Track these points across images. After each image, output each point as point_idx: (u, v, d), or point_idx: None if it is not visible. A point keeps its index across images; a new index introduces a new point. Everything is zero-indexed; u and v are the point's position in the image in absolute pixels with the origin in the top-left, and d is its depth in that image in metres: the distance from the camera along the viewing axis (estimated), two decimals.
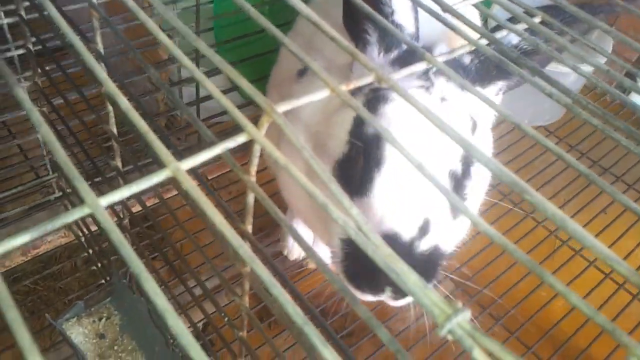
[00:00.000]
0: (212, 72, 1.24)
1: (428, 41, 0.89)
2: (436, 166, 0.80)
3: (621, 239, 1.38)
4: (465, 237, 1.01)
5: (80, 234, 1.14)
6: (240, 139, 0.43)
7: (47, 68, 0.89)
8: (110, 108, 0.69)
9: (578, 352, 1.26)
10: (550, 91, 0.52)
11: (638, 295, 1.30)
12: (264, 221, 1.43)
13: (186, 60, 0.48)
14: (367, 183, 0.79)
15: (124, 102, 0.43)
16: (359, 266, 0.78)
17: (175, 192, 1.19)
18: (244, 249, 0.36)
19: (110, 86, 0.44)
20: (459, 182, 0.83)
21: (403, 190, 0.78)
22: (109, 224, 0.36)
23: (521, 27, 0.58)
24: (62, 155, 0.40)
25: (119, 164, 0.75)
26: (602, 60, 1.56)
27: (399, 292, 0.79)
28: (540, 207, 0.42)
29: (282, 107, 0.43)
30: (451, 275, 1.18)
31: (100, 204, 0.38)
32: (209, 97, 1.25)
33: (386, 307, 1.27)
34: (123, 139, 0.84)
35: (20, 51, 0.97)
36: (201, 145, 1.32)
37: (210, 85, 0.45)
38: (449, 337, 0.34)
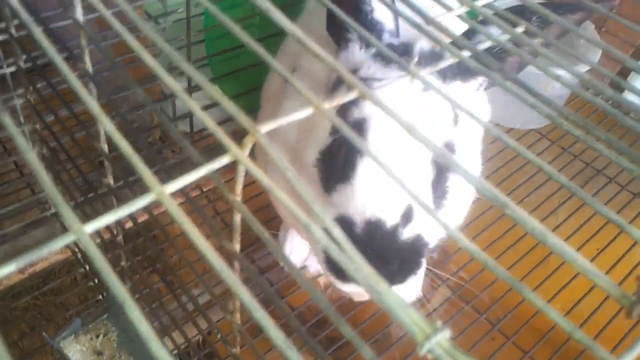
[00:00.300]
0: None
1: (409, 37, 0.90)
2: (419, 153, 0.80)
3: (615, 240, 1.39)
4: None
5: (77, 249, 1.15)
6: (224, 160, 0.43)
7: (38, 85, 0.89)
8: (100, 126, 0.70)
9: (577, 353, 1.26)
10: (533, 102, 0.52)
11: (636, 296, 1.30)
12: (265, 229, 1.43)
13: (168, 79, 0.49)
14: (349, 170, 0.80)
15: (108, 125, 0.44)
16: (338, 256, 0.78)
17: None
18: (226, 273, 0.36)
19: (95, 108, 0.45)
20: (441, 171, 0.83)
21: (385, 176, 0.79)
22: (94, 251, 0.37)
23: (505, 37, 0.59)
24: (47, 182, 0.40)
25: (111, 181, 0.76)
26: (586, 68, 1.57)
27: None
28: (520, 222, 0.42)
29: (265, 127, 0.43)
30: (434, 268, 1.18)
31: (84, 231, 0.38)
32: (203, 109, 1.26)
33: (386, 314, 1.27)
34: (116, 154, 0.84)
35: (12, 68, 0.97)
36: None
37: (193, 104, 0.46)
38: (429, 356, 0.34)
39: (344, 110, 0.83)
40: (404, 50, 0.86)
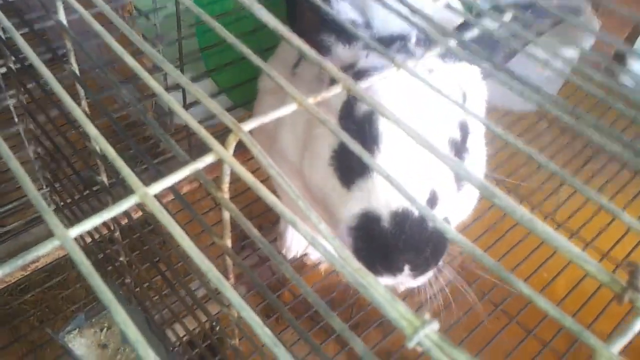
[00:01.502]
0: (198, 77, 1.25)
1: (404, 30, 0.89)
2: (435, 135, 0.79)
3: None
4: (471, 212, 0.99)
5: (81, 243, 1.15)
6: (208, 159, 0.43)
7: (29, 85, 0.89)
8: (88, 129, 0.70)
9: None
10: (521, 90, 0.52)
11: None
12: (264, 218, 1.44)
13: (149, 79, 0.48)
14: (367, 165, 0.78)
15: (92, 131, 0.44)
16: (373, 250, 0.77)
17: (168, 199, 1.20)
18: (213, 273, 0.36)
19: (78, 114, 0.45)
20: (459, 150, 0.82)
21: (405, 164, 0.77)
22: (78, 255, 0.37)
23: (492, 24, 0.58)
24: (30, 190, 0.40)
25: (105, 180, 0.76)
26: (589, 43, 1.55)
27: (418, 269, 0.78)
28: (509, 211, 0.42)
29: (247, 126, 0.43)
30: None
31: (69, 236, 0.38)
32: (197, 103, 1.26)
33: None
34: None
35: (3, 69, 0.97)
36: (191, 151, 1.32)
37: (174, 104, 0.45)
38: (418, 349, 0.34)
39: (348, 110, 0.82)
40: (392, 40, 0.85)
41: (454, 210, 0.83)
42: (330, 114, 0.85)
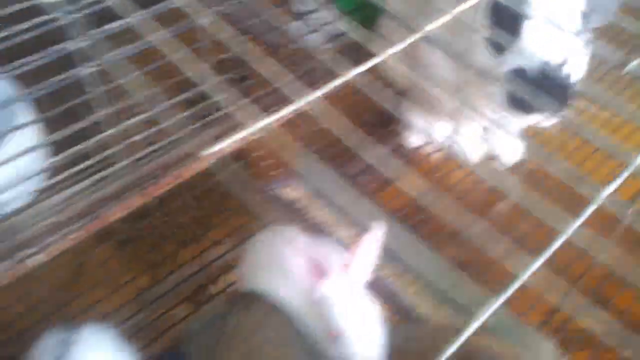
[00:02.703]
0: (321, 6, 1.37)
1: None
2: (571, 10, 1.04)
3: None
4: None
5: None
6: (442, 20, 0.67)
7: None
8: None
9: None
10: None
11: None
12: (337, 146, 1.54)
13: None
14: (517, 32, 1.04)
15: None
16: (523, 93, 1.04)
17: None
18: None
19: None
20: (586, 20, 1.06)
21: (546, 33, 1.03)
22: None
23: None
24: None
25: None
26: None
27: (560, 104, 1.03)
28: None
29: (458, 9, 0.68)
30: None
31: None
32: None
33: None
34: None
35: None
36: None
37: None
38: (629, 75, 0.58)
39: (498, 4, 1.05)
40: None
41: (576, 71, 1.09)
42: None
